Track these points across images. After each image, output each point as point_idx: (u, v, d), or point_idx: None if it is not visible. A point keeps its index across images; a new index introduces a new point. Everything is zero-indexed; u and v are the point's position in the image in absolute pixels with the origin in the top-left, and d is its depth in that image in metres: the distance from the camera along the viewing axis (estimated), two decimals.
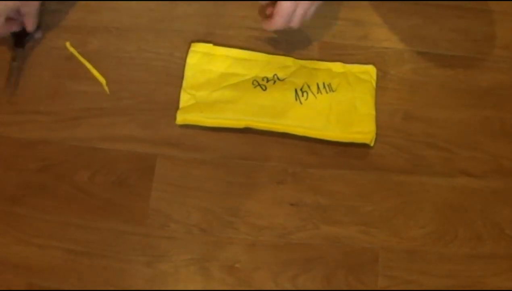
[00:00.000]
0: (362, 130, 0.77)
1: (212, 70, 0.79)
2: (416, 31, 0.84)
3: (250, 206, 0.75)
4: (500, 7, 0.86)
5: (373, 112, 0.78)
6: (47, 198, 0.74)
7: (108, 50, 0.81)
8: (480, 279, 0.73)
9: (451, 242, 0.74)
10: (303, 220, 0.74)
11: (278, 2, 0.74)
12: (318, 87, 0.79)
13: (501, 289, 0.72)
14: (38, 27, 0.80)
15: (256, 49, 0.81)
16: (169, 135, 0.77)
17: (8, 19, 0.76)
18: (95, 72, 0.80)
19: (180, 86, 0.79)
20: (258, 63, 0.80)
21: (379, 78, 0.81)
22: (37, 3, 0.77)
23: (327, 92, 0.79)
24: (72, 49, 0.81)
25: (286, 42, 0.82)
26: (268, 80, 0.79)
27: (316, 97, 0.78)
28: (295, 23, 0.76)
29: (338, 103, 0.78)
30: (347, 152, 0.77)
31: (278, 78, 0.79)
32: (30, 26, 0.79)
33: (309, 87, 0.79)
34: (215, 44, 0.81)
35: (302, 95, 0.78)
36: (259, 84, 0.79)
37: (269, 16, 0.77)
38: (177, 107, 0.77)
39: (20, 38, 0.80)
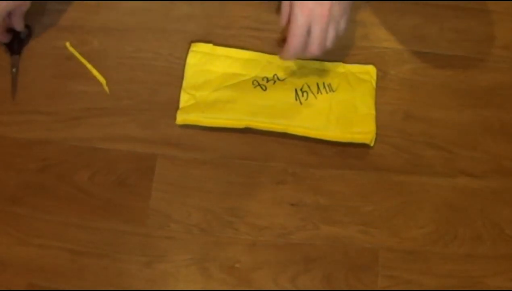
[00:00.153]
0: (362, 130, 0.77)
1: (212, 70, 0.79)
2: (416, 31, 0.84)
3: (250, 206, 0.75)
4: (500, 7, 0.86)
5: (373, 112, 0.78)
6: (47, 198, 0.74)
7: (108, 50, 0.81)
8: (480, 279, 0.73)
9: (451, 242, 0.74)
10: (303, 220, 0.74)
11: (290, 20, 0.71)
12: (318, 87, 0.79)
13: (501, 289, 0.72)
14: (26, 26, 0.81)
15: (256, 49, 0.81)
16: (169, 135, 0.77)
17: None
18: (95, 72, 0.80)
19: (180, 86, 0.79)
20: (258, 63, 0.80)
21: (379, 78, 0.81)
22: (29, 2, 0.77)
23: (327, 92, 0.79)
24: (72, 49, 0.81)
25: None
26: (268, 80, 0.79)
27: (316, 97, 0.78)
28: (314, 47, 0.72)
29: (338, 103, 0.78)
30: (347, 152, 0.77)
31: (278, 78, 0.79)
32: (18, 26, 0.79)
33: (309, 87, 0.79)
34: (215, 44, 0.81)
35: (302, 95, 0.78)
36: (259, 84, 0.79)
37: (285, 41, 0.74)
38: (177, 107, 0.77)
39: (12, 47, 0.80)
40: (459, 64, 0.83)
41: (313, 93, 0.78)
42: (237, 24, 0.83)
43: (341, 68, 0.81)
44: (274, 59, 0.80)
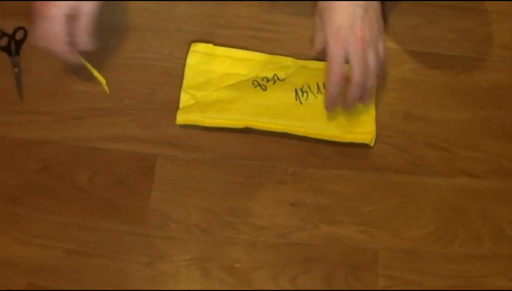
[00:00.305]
0: (362, 130, 0.77)
1: (212, 70, 0.79)
2: (416, 31, 0.84)
3: (250, 206, 0.75)
4: (500, 7, 0.86)
5: (373, 112, 0.78)
6: (47, 198, 0.74)
7: (108, 50, 0.81)
8: (480, 279, 0.73)
9: (451, 242, 0.74)
10: (303, 220, 0.74)
11: (327, 51, 0.70)
12: (318, 87, 0.79)
13: (501, 289, 0.72)
14: (21, 27, 0.81)
15: (256, 49, 0.81)
16: (169, 135, 0.77)
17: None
18: (95, 72, 0.80)
19: (180, 86, 0.79)
20: (258, 63, 0.80)
21: (379, 78, 0.80)
22: (93, 3, 0.71)
23: None
24: None
25: (286, 42, 0.82)
26: (268, 80, 0.79)
27: (316, 97, 0.78)
28: (356, 75, 0.70)
29: None
30: (347, 152, 0.77)
31: (278, 78, 0.79)
32: (83, 36, 0.72)
33: (309, 87, 0.79)
34: (215, 44, 0.81)
35: (302, 95, 0.78)
36: (259, 84, 0.79)
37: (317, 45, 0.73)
38: (177, 107, 0.77)
39: (9, 49, 0.80)
40: (459, 64, 0.83)
41: (313, 93, 0.78)
42: (237, 24, 0.83)
43: None
44: (274, 59, 0.81)
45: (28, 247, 0.72)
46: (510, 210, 0.76)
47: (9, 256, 0.72)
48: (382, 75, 0.81)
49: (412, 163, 0.77)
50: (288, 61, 0.81)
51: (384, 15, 0.75)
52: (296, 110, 0.77)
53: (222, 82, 0.79)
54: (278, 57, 0.81)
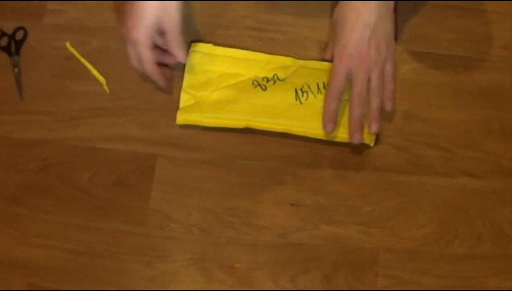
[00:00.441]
0: (363, 130, 0.77)
1: (212, 70, 0.79)
2: (416, 31, 0.84)
3: (250, 206, 0.75)
4: (500, 7, 0.86)
5: None
6: (47, 198, 0.74)
7: (108, 50, 0.81)
8: (480, 279, 0.73)
9: (451, 242, 0.74)
10: (303, 220, 0.74)
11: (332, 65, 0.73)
12: (318, 87, 0.79)
13: (501, 289, 0.72)
14: (22, 27, 0.81)
15: (256, 49, 0.81)
16: (169, 135, 0.77)
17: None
18: (95, 72, 0.80)
19: (180, 86, 0.79)
20: (258, 63, 0.80)
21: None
22: (176, 13, 0.71)
23: None
24: (72, 49, 0.81)
25: (286, 42, 0.82)
26: (268, 80, 0.79)
27: (316, 97, 0.78)
28: (354, 94, 0.72)
29: None
30: (347, 152, 0.77)
31: (278, 78, 0.79)
32: (176, 50, 0.73)
33: (309, 87, 0.79)
34: (215, 44, 0.81)
35: (302, 95, 0.78)
36: (259, 84, 0.79)
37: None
38: (177, 107, 0.77)
39: (9, 49, 0.80)
40: (459, 64, 0.83)
41: (313, 93, 0.78)
42: (237, 24, 0.83)
43: None
44: (274, 59, 0.81)
45: (28, 247, 0.72)
46: (510, 210, 0.76)
47: (9, 256, 0.72)
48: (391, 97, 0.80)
49: (412, 163, 0.77)
50: (288, 61, 0.81)
51: (396, 35, 0.76)
52: (296, 110, 0.77)
53: (222, 82, 0.79)
54: (278, 57, 0.81)
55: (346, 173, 0.76)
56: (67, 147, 0.76)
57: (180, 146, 0.77)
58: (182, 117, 0.77)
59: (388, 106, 0.75)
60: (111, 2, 0.84)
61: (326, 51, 0.80)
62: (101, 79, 0.79)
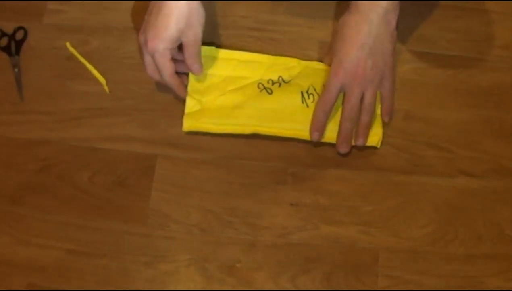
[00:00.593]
0: (369, 132, 0.76)
1: (216, 74, 0.78)
2: (416, 31, 0.84)
3: (250, 206, 0.75)
4: (500, 7, 0.86)
5: (379, 112, 0.77)
6: (47, 198, 0.74)
7: (108, 50, 0.81)
8: (480, 279, 0.73)
9: (451, 242, 0.74)
10: (303, 220, 0.74)
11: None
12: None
13: (501, 289, 0.72)
14: (22, 27, 0.81)
15: (257, 49, 0.81)
16: (169, 136, 0.77)
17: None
18: (95, 72, 0.80)
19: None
20: (262, 65, 0.79)
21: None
22: (199, 28, 0.72)
23: None
24: (72, 49, 0.81)
25: (286, 42, 0.82)
26: (273, 83, 0.78)
27: None
28: (346, 109, 0.74)
29: None
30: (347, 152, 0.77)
31: (283, 80, 0.79)
32: (193, 65, 0.74)
33: (314, 89, 0.78)
34: (216, 44, 0.80)
35: (308, 98, 0.77)
36: (264, 88, 0.78)
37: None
38: (177, 108, 0.77)
39: (9, 49, 0.81)
40: (459, 64, 0.83)
41: (319, 95, 0.77)
42: (237, 24, 0.83)
43: None
44: (278, 60, 0.80)
45: (28, 247, 0.72)
46: (510, 210, 0.76)
47: (9, 256, 0.72)
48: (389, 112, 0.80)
49: (412, 163, 0.77)
50: (293, 62, 0.80)
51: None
52: (303, 114, 0.76)
53: (227, 86, 0.78)
54: (282, 58, 0.80)
55: (346, 173, 0.76)
56: (67, 147, 0.76)
57: (180, 146, 0.77)
58: (188, 124, 0.76)
59: (386, 119, 0.77)
60: (111, 2, 0.84)
61: (326, 56, 0.80)
62: (101, 79, 0.79)
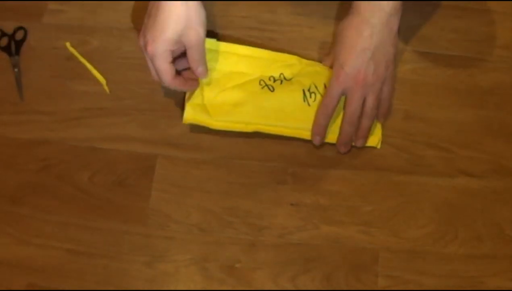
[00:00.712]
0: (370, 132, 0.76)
1: (217, 68, 0.77)
2: (416, 31, 0.84)
3: (250, 206, 0.75)
4: (500, 7, 0.86)
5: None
6: (47, 198, 0.74)
7: (108, 50, 0.81)
8: (480, 279, 0.73)
9: (451, 242, 0.74)
10: (303, 220, 0.74)
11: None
12: (325, 88, 0.77)
13: (501, 289, 0.72)
14: (22, 27, 0.81)
15: None
16: (169, 135, 0.77)
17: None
18: (95, 72, 0.80)
19: None
20: (263, 61, 0.78)
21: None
22: (201, 29, 0.70)
23: None
24: (72, 49, 0.81)
25: (286, 42, 0.82)
26: (275, 80, 0.78)
27: None
28: (347, 112, 0.73)
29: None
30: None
31: (284, 78, 0.78)
32: (196, 67, 0.72)
33: (316, 88, 0.77)
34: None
35: (310, 97, 0.77)
36: (266, 85, 0.77)
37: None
38: (177, 108, 0.77)
39: (9, 49, 0.81)
40: (459, 64, 0.83)
41: (320, 94, 0.77)
42: (237, 24, 0.83)
43: None
44: (279, 57, 0.79)
45: (28, 247, 0.72)
46: (510, 210, 0.76)
47: (9, 256, 0.72)
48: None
49: (412, 163, 0.77)
50: (293, 59, 0.79)
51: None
52: (305, 113, 0.76)
53: (228, 82, 0.77)
54: (283, 55, 0.79)
55: (346, 173, 0.76)
56: (67, 147, 0.76)
57: (180, 146, 0.77)
58: (190, 116, 0.75)
59: (382, 120, 0.77)
60: (111, 2, 0.84)
61: (326, 57, 0.79)
62: (101, 79, 0.79)
